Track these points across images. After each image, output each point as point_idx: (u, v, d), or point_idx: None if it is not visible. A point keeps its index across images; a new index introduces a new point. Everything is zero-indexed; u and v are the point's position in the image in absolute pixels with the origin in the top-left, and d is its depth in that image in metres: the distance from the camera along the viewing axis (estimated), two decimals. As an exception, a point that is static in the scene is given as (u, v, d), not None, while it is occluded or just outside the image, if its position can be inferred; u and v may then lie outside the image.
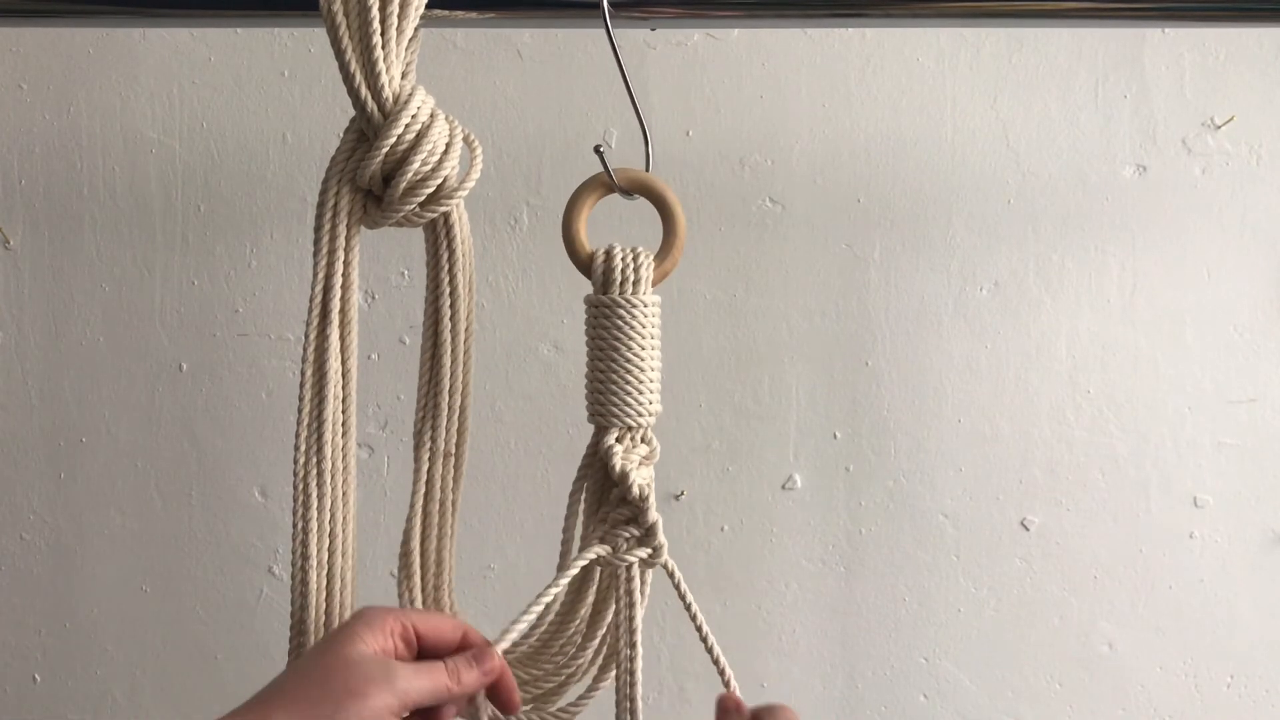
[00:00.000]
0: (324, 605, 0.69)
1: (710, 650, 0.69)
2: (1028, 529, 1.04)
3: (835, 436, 1.04)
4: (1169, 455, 1.04)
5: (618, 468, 0.68)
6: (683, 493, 1.03)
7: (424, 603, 0.73)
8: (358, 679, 0.58)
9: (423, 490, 0.72)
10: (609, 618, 0.72)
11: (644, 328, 0.69)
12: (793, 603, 1.05)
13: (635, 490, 0.67)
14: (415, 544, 0.72)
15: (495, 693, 0.66)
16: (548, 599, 0.68)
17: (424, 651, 0.64)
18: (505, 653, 0.70)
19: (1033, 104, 1.01)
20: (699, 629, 0.69)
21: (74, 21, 0.91)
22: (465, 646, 0.64)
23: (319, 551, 0.69)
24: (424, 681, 0.60)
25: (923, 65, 1.01)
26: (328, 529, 0.69)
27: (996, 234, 1.02)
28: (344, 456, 0.70)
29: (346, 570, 0.70)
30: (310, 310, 0.68)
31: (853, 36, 1.00)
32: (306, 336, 0.68)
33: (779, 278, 1.02)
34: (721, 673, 0.69)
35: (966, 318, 1.02)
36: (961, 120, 1.01)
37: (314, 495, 0.68)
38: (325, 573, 0.69)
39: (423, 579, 0.73)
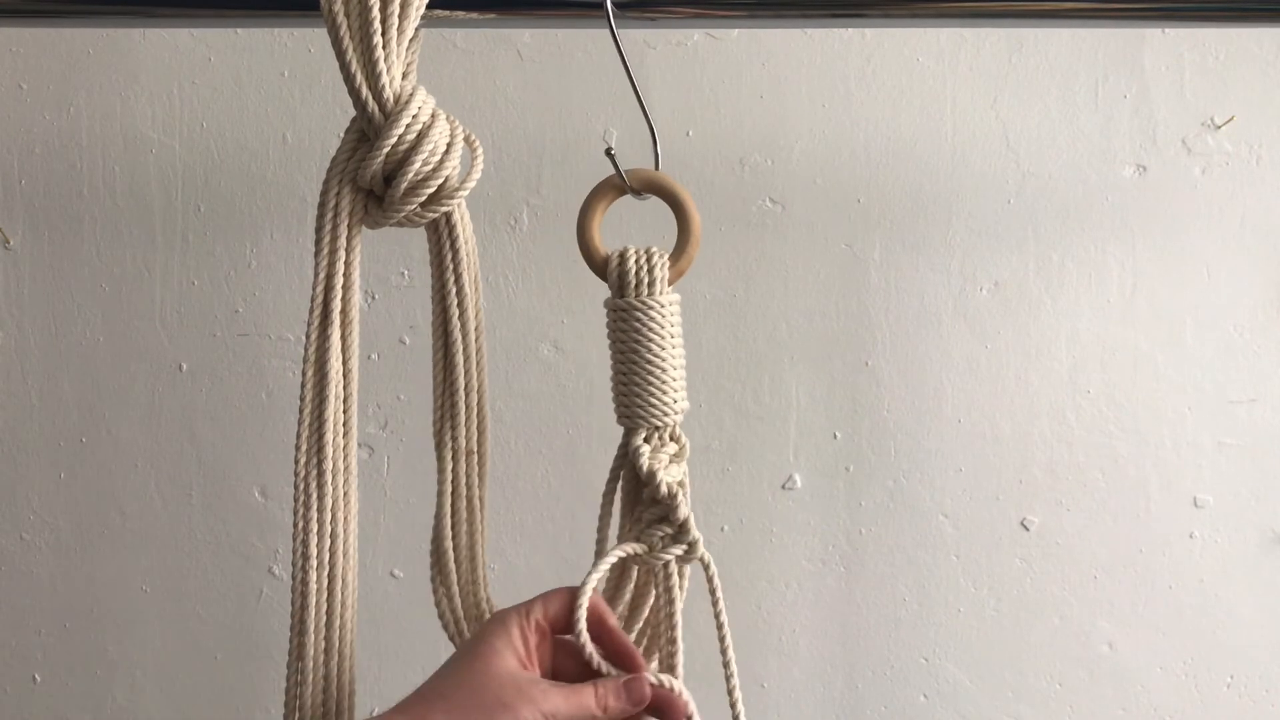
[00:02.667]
0: (324, 605, 0.69)
1: (725, 651, 0.69)
2: (1028, 529, 1.04)
3: (835, 436, 1.04)
4: (1169, 455, 1.04)
5: (645, 468, 0.68)
6: (683, 493, 1.03)
7: (461, 600, 0.72)
8: (509, 693, 0.60)
9: (449, 489, 0.72)
10: (645, 613, 0.72)
11: (662, 328, 0.68)
12: (793, 603, 1.05)
13: (664, 489, 0.67)
14: (447, 543, 0.72)
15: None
16: (590, 584, 0.66)
17: (554, 632, 0.66)
18: None
19: (1033, 104, 1.01)
20: (720, 627, 0.69)
21: (74, 21, 0.91)
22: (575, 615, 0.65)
23: (319, 551, 0.69)
24: (570, 706, 0.62)
25: (923, 65, 1.01)
26: (328, 529, 0.69)
27: (996, 234, 1.02)
28: (344, 456, 0.70)
29: (346, 570, 0.70)
30: (311, 310, 0.68)
31: (853, 36, 1.00)
32: (307, 336, 0.68)
33: (779, 278, 1.02)
34: (729, 678, 0.69)
35: (966, 318, 1.02)
36: (961, 120, 1.01)
37: (314, 495, 0.68)
38: (325, 573, 0.69)
39: (458, 576, 0.72)
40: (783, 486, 1.04)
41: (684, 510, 0.68)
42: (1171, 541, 1.04)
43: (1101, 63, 1.01)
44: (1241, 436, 1.03)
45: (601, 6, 0.68)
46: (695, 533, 0.68)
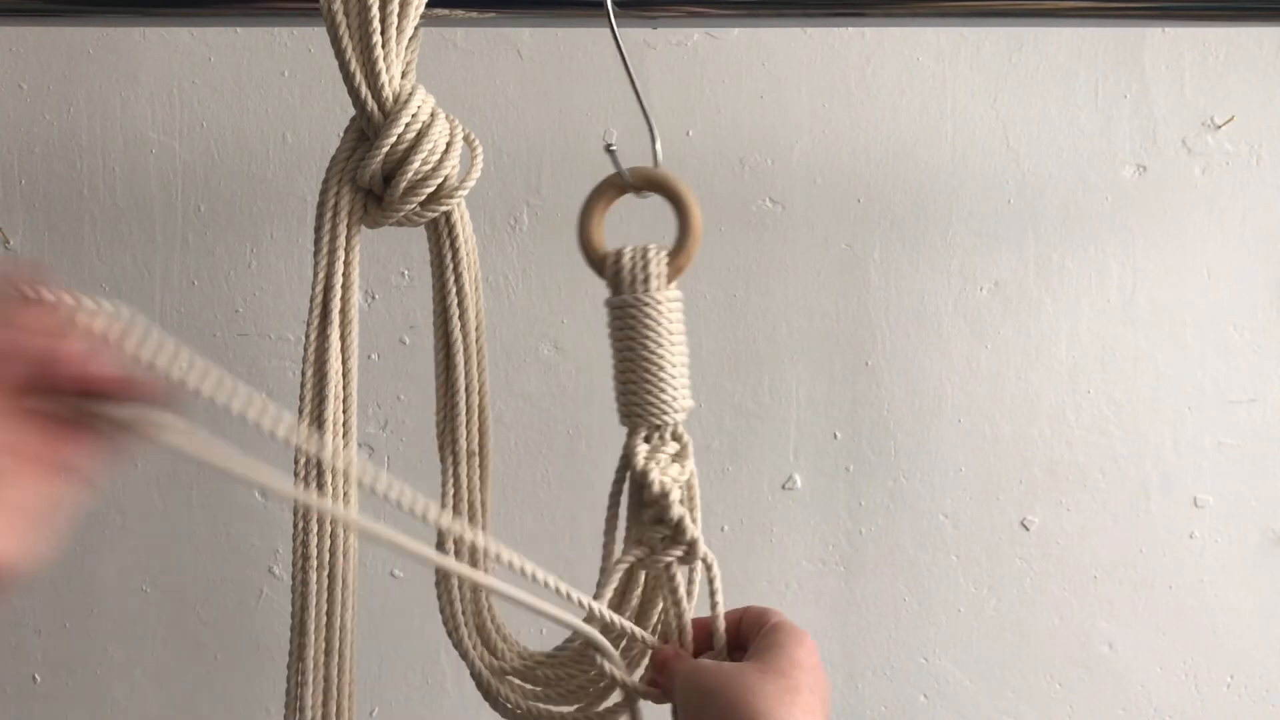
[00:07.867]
0: (324, 605, 0.69)
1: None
2: (1028, 529, 1.04)
3: (835, 436, 1.03)
4: (1169, 455, 1.04)
5: (638, 467, 0.67)
6: (683, 493, 1.03)
7: (463, 609, 0.71)
8: None
9: (451, 492, 0.72)
10: (654, 617, 0.71)
11: (657, 324, 0.67)
12: (793, 603, 1.05)
13: (656, 488, 0.66)
14: (449, 548, 0.72)
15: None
16: (601, 604, 0.67)
17: None
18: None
19: (1033, 104, 1.01)
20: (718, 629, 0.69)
21: (74, 21, 0.91)
22: None
23: (319, 551, 0.69)
24: None
25: (923, 65, 1.01)
26: (328, 529, 0.69)
27: (996, 234, 1.02)
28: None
29: (346, 570, 0.70)
30: (310, 310, 0.68)
31: (853, 36, 1.00)
32: (307, 336, 0.68)
33: (779, 278, 1.02)
34: None
35: (966, 318, 1.02)
36: (961, 120, 1.01)
37: (314, 495, 0.68)
38: (325, 573, 0.69)
39: (459, 579, 0.72)
40: (783, 486, 1.04)
41: (677, 510, 0.66)
42: (1171, 541, 1.04)
43: (1101, 63, 1.01)
44: (1241, 436, 1.03)
45: (602, 6, 0.67)
46: (693, 532, 0.66)
